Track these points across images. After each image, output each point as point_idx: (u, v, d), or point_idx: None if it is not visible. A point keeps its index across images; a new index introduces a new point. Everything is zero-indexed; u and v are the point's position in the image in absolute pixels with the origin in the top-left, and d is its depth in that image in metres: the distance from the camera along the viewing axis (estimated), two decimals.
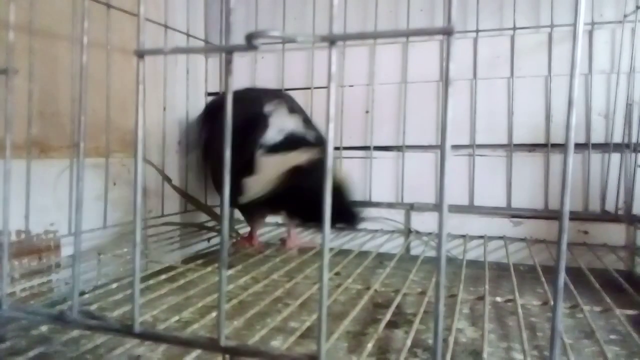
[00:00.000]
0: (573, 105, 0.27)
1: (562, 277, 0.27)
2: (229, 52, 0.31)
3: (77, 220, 0.36)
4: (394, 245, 1.07)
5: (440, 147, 0.26)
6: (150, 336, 0.37)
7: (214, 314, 0.58)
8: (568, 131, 0.27)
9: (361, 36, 0.28)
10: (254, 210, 0.96)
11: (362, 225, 1.13)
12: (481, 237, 1.05)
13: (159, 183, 1.01)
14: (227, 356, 0.38)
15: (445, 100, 0.27)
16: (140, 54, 0.34)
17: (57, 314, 0.39)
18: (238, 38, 0.33)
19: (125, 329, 0.36)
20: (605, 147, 1.00)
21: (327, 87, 0.31)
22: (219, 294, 0.33)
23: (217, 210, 1.01)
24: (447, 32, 0.27)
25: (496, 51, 1.07)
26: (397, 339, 0.63)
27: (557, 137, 1.03)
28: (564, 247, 0.27)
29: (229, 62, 0.32)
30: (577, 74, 0.27)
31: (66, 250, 0.81)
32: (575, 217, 0.98)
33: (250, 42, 0.30)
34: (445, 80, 0.27)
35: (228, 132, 0.33)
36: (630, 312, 0.64)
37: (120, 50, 0.89)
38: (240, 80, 1.22)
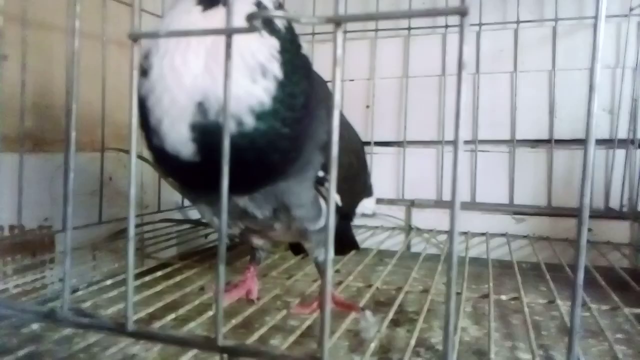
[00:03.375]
0: (594, 90, 0.25)
1: (582, 274, 0.26)
2: (229, 34, 0.30)
3: (67, 214, 0.35)
4: (395, 242, 1.06)
5: (454, 136, 0.24)
6: (144, 335, 0.35)
7: (211, 312, 0.57)
8: (589, 118, 0.25)
9: (366, 17, 0.27)
10: None
11: (362, 222, 1.12)
12: (483, 234, 1.03)
13: (155, 178, 0.99)
14: (225, 356, 0.36)
15: (459, 84, 0.25)
16: (134, 38, 0.32)
17: (47, 312, 0.37)
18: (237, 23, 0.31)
19: (118, 328, 0.35)
20: (609, 142, 0.98)
21: (332, 73, 0.29)
22: (217, 292, 0.31)
23: None
24: (461, 12, 0.26)
25: (499, 45, 1.05)
26: (400, 338, 0.62)
27: (560, 133, 1.02)
28: (583, 241, 0.25)
29: (229, 46, 0.30)
30: (599, 57, 0.25)
31: (61, 246, 0.79)
32: (578, 213, 0.97)
33: (252, 23, 0.28)
34: (459, 63, 0.25)
35: (227, 127, 0.31)
36: (637, 310, 0.63)
37: (116, 42, 0.88)
38: None
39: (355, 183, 0.64)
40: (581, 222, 0.25)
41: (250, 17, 0.28)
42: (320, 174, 0.50)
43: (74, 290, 0.63)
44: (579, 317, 0.26)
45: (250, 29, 0.29)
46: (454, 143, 0.23)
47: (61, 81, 0.79)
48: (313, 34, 1.15)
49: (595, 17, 0.25)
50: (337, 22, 0.28)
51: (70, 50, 0.39)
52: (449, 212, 0.27)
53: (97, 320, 0.36)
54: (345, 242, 0.75)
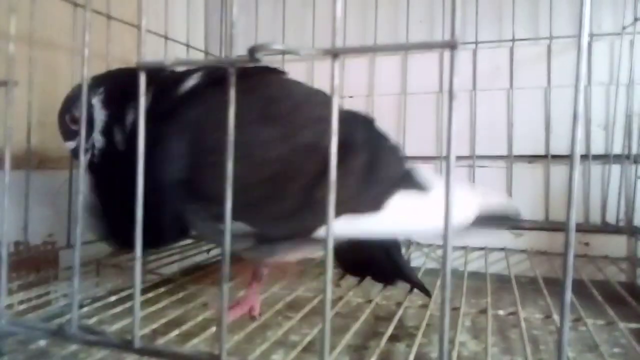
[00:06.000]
0: (578, 119, 0.26)
1: (569, 293, 0.27)
2: (231, 65, 0.31)
3: (75, 234, 0.36)
4: None
5: (446, 162, 0.26)
6: (150, 351, 0.36)
7: (214, 328, 0.58)
8: (573, 145, 0.27)
9: (363, 50, 0.28)
10: None
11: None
12: (482, 248, 1.04)
13: None
14: None
15: (450, 114, 0.27)
16: (142, 67, 0.34)
17: (56, 329, 0.39)
18: (238, 49, 0.33)
19: (125, 344, 0.36)
20: (605, 158, 1.00)
21: (331, 95, 0.30)
22: (221, 310, 0.33)
23: None
24: (451, 45, 0.27)
25: (495, 62, 1.07)
26: (400, 353, 0.63)
27: (557, 149, 1.03)
28: (570, 262, 0.27)
29: (231, 75, 0.31)
30: (582, 88, 0.27)
31: (65, 262, 0.80)
32: (576, 228, 0.98)
33: (253, 55, 0.30)
34: (450, 94, 0.27)
35: (230, 144, 0.33)
36: (633, 325, 0.64)
37: (120, 61, 0.89)
38: None
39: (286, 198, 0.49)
40: (568, 244, 0.27)
41: (252, 50, 0.29)
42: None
43: (80, 307, 0.64)
44: (567, 334, 0.27)
45: (252, 59, 0.30)
46: (446, 175, 0.25)
47: None
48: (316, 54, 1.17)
49: (578, 55, 0.27)
50: (335, 54, 0.29)
51: (77, 72, 0.41)
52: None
53: (105, 338, 0.37)
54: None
